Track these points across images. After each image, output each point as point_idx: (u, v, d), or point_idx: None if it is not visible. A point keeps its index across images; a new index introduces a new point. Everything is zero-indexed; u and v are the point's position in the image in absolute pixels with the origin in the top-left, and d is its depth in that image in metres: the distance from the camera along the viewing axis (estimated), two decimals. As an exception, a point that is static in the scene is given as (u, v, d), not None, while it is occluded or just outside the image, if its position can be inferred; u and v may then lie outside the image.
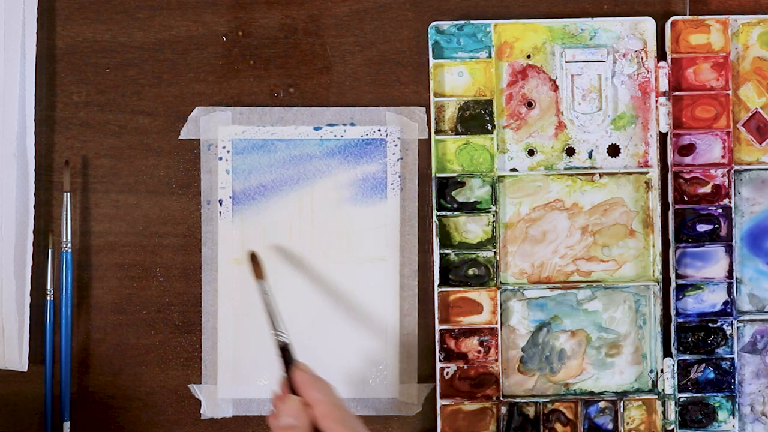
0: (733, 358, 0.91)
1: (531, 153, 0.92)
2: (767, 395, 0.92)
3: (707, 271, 0.91)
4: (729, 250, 0.91)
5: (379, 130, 0.91)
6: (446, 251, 0.91)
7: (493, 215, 0.91)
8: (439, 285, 0.91)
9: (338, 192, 0.91)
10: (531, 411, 0.91)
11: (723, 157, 0.91)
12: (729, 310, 0.91)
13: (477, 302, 0.91)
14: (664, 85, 0.91)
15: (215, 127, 0.91)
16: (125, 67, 0.92)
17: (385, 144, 0.91)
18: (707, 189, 0.91)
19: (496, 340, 0.91)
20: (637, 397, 0.91)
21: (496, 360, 0.91)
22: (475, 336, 0.91)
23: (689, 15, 0.92)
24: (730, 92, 0.91)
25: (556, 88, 0.92)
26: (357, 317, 0.91)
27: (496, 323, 0.91)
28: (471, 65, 0.91)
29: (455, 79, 0.91)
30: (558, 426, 0.91)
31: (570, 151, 0.92)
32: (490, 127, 0.91)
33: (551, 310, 0.92)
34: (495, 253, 0.91)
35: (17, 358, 0.89)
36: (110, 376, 0.92)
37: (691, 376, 0.91)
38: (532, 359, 0.92)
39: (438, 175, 0.91)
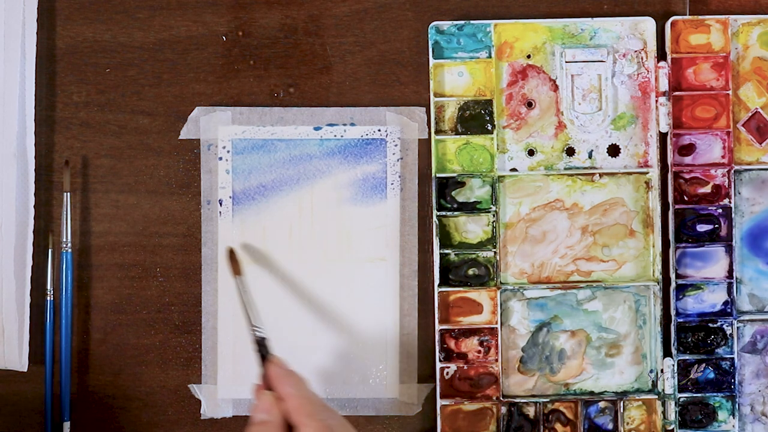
0: (733, 358, 0.91)
1: (531, 153, 0.92)
2: (767, 395, 0.92)
3: (707, 271, 0.91)
4: (729, 250, 0.91)
5: (379, 130, 0.91)
6: (446, 251, 0.91)
7: (493, 215, 0.91)
8: (439, 285, 0.91)
9: (338, 192, 0.91)
10: (531, 411, 0.91)
11: (723, 157, 0.91)
12: (729, 310, 0.91)
13: (477, 302, 0.91)
14: (664, 85, 0.91)
15: (215, 127, 0.91)
16: (125, 67, 0.92)
17: (385, 144, 0.91)
18: (707, 189, 0.91)
19: (496, 340, 0.91)
20: (637, 397, 0.91)
21: (496, 360, 0.91)
22: (475, 336, 0.91)
23: (689, 15, 0.92)
24: (730, 92, 0.91)
25: (556, 88, 0.92)
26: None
27: (496, 323, 0.91)
28: (471, 65, 0.91)
29: (455, 79, 0.91)
30: (558, 426, 0.91)
31: (570, 151, 0.92)
32: (490, 127, 0.91)
33: (551, 310, 0.92)
34: (495, 253, 0.91)
35: (17, 358, 0.89)
36: (110, 376, 0.92)
37: (691, 376, 0.91)
38: (532, 359, 0.92)
39: (438, 175, 0.91)
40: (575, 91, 0.91)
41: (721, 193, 0.91)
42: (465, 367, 0.91)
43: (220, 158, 0.91)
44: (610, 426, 0.91)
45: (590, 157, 0.92)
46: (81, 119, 0.92)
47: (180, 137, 0.92)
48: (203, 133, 0.91)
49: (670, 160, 0.91)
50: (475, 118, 0.91)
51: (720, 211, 0.91)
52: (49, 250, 0.90)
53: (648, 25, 0.91)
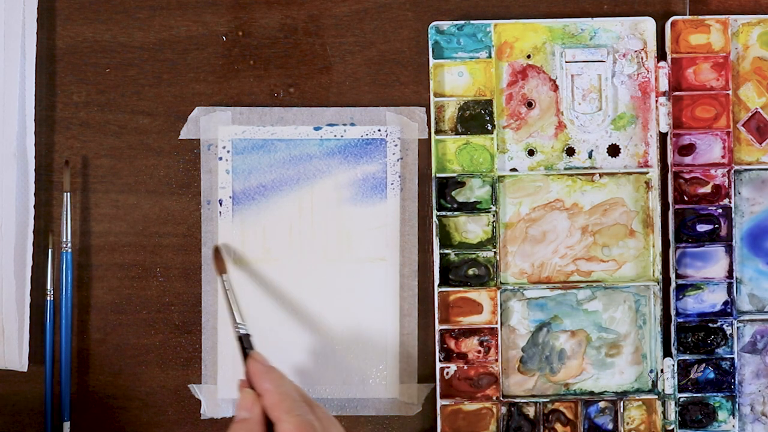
0: (733, 358, 0.91)
1: (531, 153, 0.92)
2: (767, 395, 0.92)
3: (707, 271, 0.91)
4: (729, 250, 0.91)
5: (379, 130, 0.91)
6: (446, 251, 0.91)
7: (493, 215, 0.91)
8: (439, 285, 0.91)
9: (338, 192, 0.91)
10: (531, 411, 0.91)
11: (723, 157, 0.91)
12: (729, 310, 0.91)
13: (477, 302, 0.91)
14: (664, 85, 0.91)
15: (215, 127, 0.91)
16: (125, 67, 0.92)
17: (385, 144, 0.91)
18: (707, 189, 0.91)
19: (496, 340, 0.91)
20: (637, 397, 0.91)
21: (496, 360, 0.91)
22: (475, 336, 0.91)
23: (689, 15, 0.92)
24: (730, 92, 0.91)
25: (556, 88, 0.92)
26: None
27: (496, 323, 0.91)
28: (471, 65, 0.91)
29: (455, 79, 0.91)
30: (558, 426, 0.91)
31: (570, 151, 0.92)
32: (490, 127, 0.91)
33: (551, 310, 0.92)
34: (495, 253, 0.91)
35: (17, 358, 0.89)
36: (110, 376, 0.92)
37: (691, 376, 0.91)
38: (532, 359, 0.92)
39: (438, 175, 0.91)
40: (575, 91, 0.91)
41: (721, 193, 0.91)
42: (465, 367, 0.91)
43: (220, 158, 0.91)
44: (610, 426, 0.91)
45: (590, 157, 0.92)
46: (81, 119, 0.92)
47: (180, 137, 0.92)
48: (203, 133, 0.91)
49: (670, 160, 0.91)
50: (475, 118, 0.91)
51: (720, 211, 0.91)
52: (49, 250, 0.90)
53: (648, 25, 0.91)
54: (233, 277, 0.90)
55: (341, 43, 0.92)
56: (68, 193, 0.90)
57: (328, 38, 0.92)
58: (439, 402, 0.90)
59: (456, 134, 0.91)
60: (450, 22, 0.91)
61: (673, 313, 0.91)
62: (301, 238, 0.91)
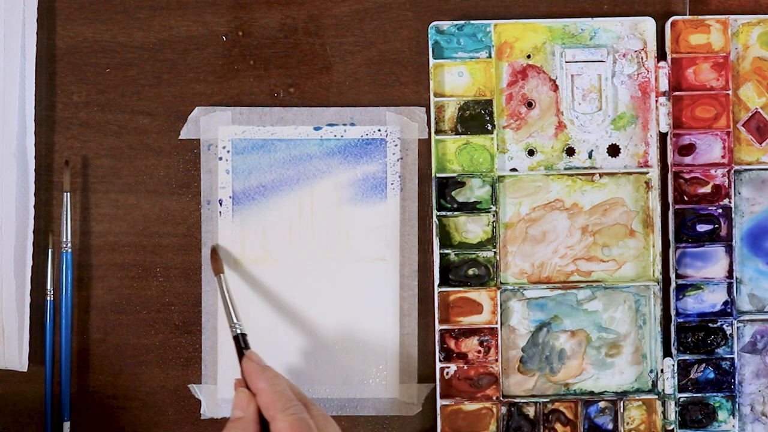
0: (733, 358, 0.91)
1: (531, 153, 0.92)
2: (767, 395, 0.92)
3: (707, 271, 0.91)
4: (729, 250, 0.91)
5: (379, 130, 0.91)
6: (446, 251, 0.91)
7: (493, 215, 0.91)
8: (439, 285, 0.91)
9: (338, 192, 0.91)
10: (531, 411, 0.91)
11: (723, 157, 0.91)
12: (729, 310, 0.91)
13: (477, 302, 0.91)
14: (664, 85, 0.91)
15: (215, 127, 0.91)
16: (125, 67, 0.92)
17: (385, 144, 0.91)
18: (707, 189, 0.91)
19: (496, 340, 0.91)
20: (637, 397, 0.91)
21: (496, 360, 0.91)
22: (475, 336, 0.91)
23: (689, 15, 0.92)
24: (730, 92, 0.91)
25: (556, 88, 0.92)
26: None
27: (496, 323, 0.91)
28: (471, 65, 0.91)
29: (455, 79, 0.91)
30: (558, 426, 0.91)
31: (570, 151, 0.92)
32: (490, 127, 0.91)
33: (551, 310, 0.92)
34: (495, 253, 0.91)
35: (17, 358, 0.89)
36: (110, 376, 0.92)
37: (691, 376, 0.91)
38: (532, 359, 0.92)
39: (438, 175, 0.91)
40: (575, 91, 0.91)
41: (721, 193, 0.91)
42: (465, 367, 0.91)
43: (220, 158, 0.91)
44: (610, 426, 0.91)
45: (590, 157, 0.92)
46: (81, 119, 0.92)
47: (180, 137, 0.92)
48: (203, 133, 0.91)
49: (670, 160, 0.91)
50: (475, 118, 0.91)
51: (720, 211, 0.91)
52: (49, 250, 0.90)
53: (648, 25, 0.91)
54: (232, 277, 0.91)
55: (341, 43, 0.92)
56: (68, 193, 0.90)
57: (328, 38, 0.92)
58: (439, 402, 0.90)
59: (456, 134, 0.91)
60: (450, 22, 0.91)
61: (673, 313, 0.91)
62: (301, 238, 0.91)
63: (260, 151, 0.91)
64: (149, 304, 0.92)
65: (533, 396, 0.91)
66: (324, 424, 0.78)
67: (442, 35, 0.91)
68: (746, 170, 0.91)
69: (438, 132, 0.91)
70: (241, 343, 0.84)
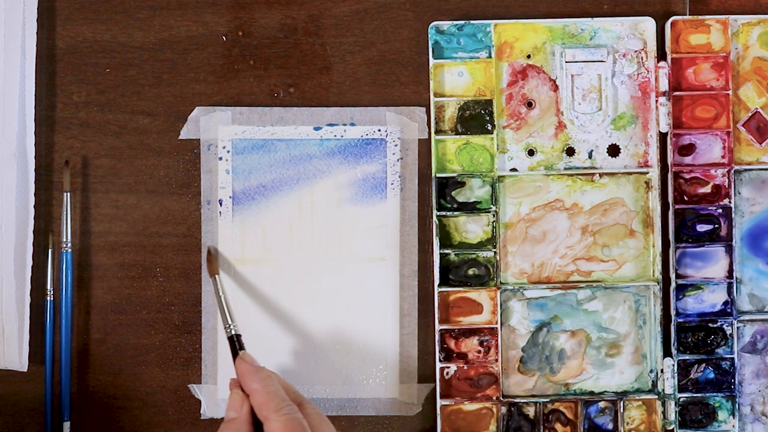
0: (733, 358, 0.91)
1: (531, 153, 0.92)
2: (767, 395, 0.92)
3: (707, 271, 0.91)
4: (729, 250, 0.91)
5: (379, 130, 0.91)
6: (446, 251, 0.91)
7: (493, 215, 0.91)
8: (439, 285, 0.91)
9: (338, 192, 0.91)
10: (531, 411, 0.91)
11: (723, 157, 0.91)
12: (729, 310, 0.91)
13: (477, 302, 0.91)
14: (664, 85, 0.91)
15: (215, 127, 0.91)
16: (125, 67, 0.92)
17: (385, 144, 0.91)
18: (707, 189, 0.91)
19: (496, 340, 0.91)
20: (637, 397, 0.91)
21: (496, 360, 0.91)
22: (475, 336, 0.91)
23: (689, 15, 0.92)
24: (730, 92, 0.91)
25: (556, 88, 0.92)
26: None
27: (496, 323, 0.91)
28: (471, 65, 0.91)
29: (455, 79, 0.91)
30: (558, 426, 0.91)
31: (570, 151, 0.92)
32: (490, 127, 0.91)
33: (551, 310, 0.92)
34: (495, 253, 0.91)
35: (17, 358, 0.89)
36: (110, 376, 0.92)
37: (691, 376, 0.91)
38: (532, 359, 0.92)
39: (438, 175, 0.91)
40: (575, 91, 0.91)
41: (721, 193, 0.91)
42: (465, 367, 0.91)
43: (220, 158, 0.91)
44: (610, 426, 0.91)
45: (590, 157, 0.92)
46: (81, 119, 0.92)
47: (180, 137, 0.92)
48: (203, 133, 0.91)
49: (670, 160, 0.91)
50: (475, 118, 0.91)
51: (720, 211, 0.91)
52: (49, 250, 0.90)
53: (648, 25, 0.91)
54: (232, 278, 0.91)
55: (341, 43, 0.92)
56: (68, 193, 0.90)
57: (328, 38, 0.92)
58: (439, 402, 0.90)
59: (456, 134, 0.91)
60: (450, 22, 0.91)
61: (673, 313, 0.91)
62: (301, 238, 0.91)
63: (260, 151, 0.91)
64: (149, 304, 0.92)
65: (533, 396, 0.91)
66: (318, 423, 0.79)
67: (442, 35, 0.91)
68: (746, 170, 0.91)
69: (438, 132, 0.91)
70: (235, 344, 0.84)
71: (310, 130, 0.91)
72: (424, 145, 0.92)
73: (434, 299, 0.91)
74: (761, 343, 0.92)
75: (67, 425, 0.90)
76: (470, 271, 0.91)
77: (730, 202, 0.91)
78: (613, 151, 0.92)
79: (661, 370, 0.91)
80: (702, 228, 0.91)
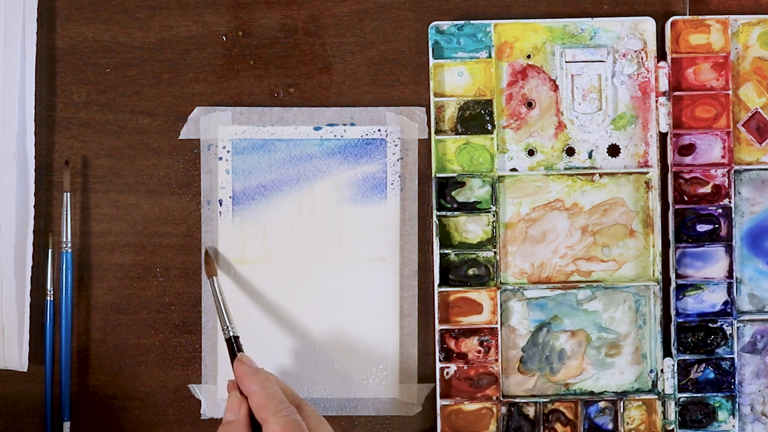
0: (733, 358, 0.91)
1: (531, 153, 0.92)
2: (767, 395, 0.92)
3: (707, 271, 0.91)
4: (729, 250, 0.91)
5: (379, 130, 0.91)
6: (446, 251, 0.91)
7: (493, 215, 0.91)
8: (439, 285, 0.91)
9: (338, 192, 0.91)
10: (531, 411, 0.91)
11: (723, 157, 0.91)
12: (729, 310, 0.91)
13: (477, 302, 0.91)
14: (664, 85, 0.91)
15: (215, 127, 0.91)
16: (125, 67, 0.92)
17: (385, 144, 0.91)
18: (707, 189, 0.91)
19: (496, 340, 0.91)
20: (637, 397, 0.91)
21: (496, 360, 0.91)
22: (475, 336, 0.91)
23: (689, 15, 0.92)
24: (730, 92, 0.91)
25: (556, 88, 0.92)
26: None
27: (496, 323, 0.91)
28: (471, 65, 0.91)
29: (455, 79, 0.91)
30: (558, 426, 0.91)
31: (570, 151, 0.92)
32: (490, 127, 0.91)
33: (551, 310, 0.92)
34: (495, 253, 0.91)
35: (17, 358, 0.89)
36: (110, 376, 0.92)
37: (691, 376, 0.91)
38: (532, 359, 0.92)
39: (438, 175, 0.91)
40: (575, 91, 0.91)
41: (721, 193, 0.91)
42: (465, 367, 0.91)
43: (220, 158, 0.91)
44: (610, 426, 0.91)
45: (590, 157, 0.92)
46: (81, 119, 0.92)
47: (180, 137, 0.92)
48: (203, 133, 0.91)
49: (670, 160, 0.91)
50: (475, 118, 0.91)
51: (720, 211, 0.91)
52: (49, 250, 0.90)
53: (648, 25, 0.91)
54: (232, 279, 0.91)
55: (341, 43, 0.92)
56: (68, 193, 0.90)
57: (328, 38, 0.92)
58: (439, 402, 0.90)
59: (456, 134, 0.91)
60: (450, 22, 0.91)
61: (673, 313, 0.91)
62: (301, 238, 0.91)
63: (260, 151, 0.91)
64: (149, 304, 0.92)
65: (533, 396, 0.91)
66: (317, 425, 0.79)
67: (442, 35, 0.91)
68: (746, 170, 0.91)
69: (438, 132, 0.91)
70: (233, 346, 0.84)
71: (310, 130, 0.91)
72: (424, 145, 0.92)
73: (434, 299, 0.91)
74: (761, 343, 0.92)
75: (67, 425, 0.90)
76: (470, 271, 0.91)
77: (730, 202, 0.91)
78: (613, 151, 0.92)
79: (661, 370, 0.91)
80: (702, 228, 0.91)
